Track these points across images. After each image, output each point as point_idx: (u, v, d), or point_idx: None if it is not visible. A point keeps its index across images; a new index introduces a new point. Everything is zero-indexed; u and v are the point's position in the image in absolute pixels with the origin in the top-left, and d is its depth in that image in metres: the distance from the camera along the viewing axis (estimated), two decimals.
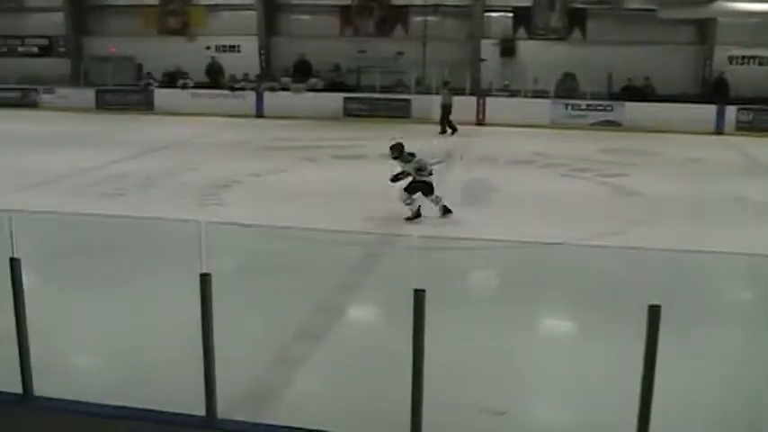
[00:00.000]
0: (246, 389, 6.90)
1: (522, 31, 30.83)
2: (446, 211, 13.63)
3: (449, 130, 25.54)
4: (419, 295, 5.20)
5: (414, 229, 12.64)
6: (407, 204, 13.40)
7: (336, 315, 9.13)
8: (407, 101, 28.37)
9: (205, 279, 5.61)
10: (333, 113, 28.16)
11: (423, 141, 22.60)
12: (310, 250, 10.30)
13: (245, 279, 9.66)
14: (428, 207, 13.54)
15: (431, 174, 13.51)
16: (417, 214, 13.50)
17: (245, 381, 7.01)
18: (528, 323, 8.85)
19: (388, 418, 5.98)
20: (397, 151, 13.55)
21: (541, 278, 9.85)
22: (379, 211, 13.80)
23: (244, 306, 8.38)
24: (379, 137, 23.43)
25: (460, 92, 27.28)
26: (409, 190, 13.38)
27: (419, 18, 30.92)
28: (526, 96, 28.09)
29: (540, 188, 16.80)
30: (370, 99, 28.80)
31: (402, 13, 31.46)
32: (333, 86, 29.83)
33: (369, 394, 6.86)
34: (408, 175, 13.44)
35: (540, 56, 29.85)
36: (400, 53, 30.86)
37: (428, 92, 28.32)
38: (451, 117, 25.78)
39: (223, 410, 5.88)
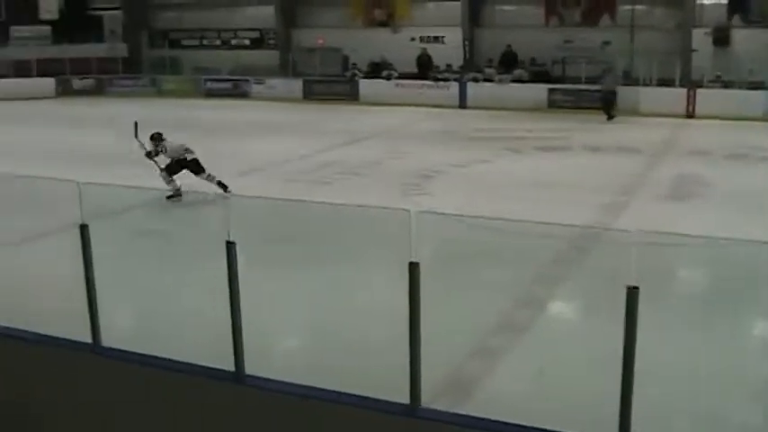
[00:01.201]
0: (447, 378, 6.88)
1: (737, 19, 29.26)
2: (222, 186, 14.23)
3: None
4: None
5: (624, 223, 12.23)
6: (169, 184, 14.01)
7: (539, 308, 8.98)
8: (614, 92, 27.53)
9: (414, 267, 5.60)
10: (536, 104, 27.74)
11: (628, 133, 22.12)
12: (515, 242, 10.17)
13: (450, 269, 9.63)
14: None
15: (187, 153, 14.45)
16: (178, 193, 14.03)
17: (447, 370, 6.99)
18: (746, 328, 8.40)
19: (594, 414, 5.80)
20: (157, 140, 14.53)
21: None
22: (585, 203, 13.49)
23: (447, 295, 8.35)
24: (584, 129, 23.05)
25: (669, 82, 26.42)
26: (168, 170, 14.26)
27: (627, 6, 29.86)
28: (740, 88, 26.68)
29: (756, 183, 15.90)
30: (575, 90, 28.16)
31: (609, 2, 30.53)
32: (538, 77, 29.40)
33: (572, 389, 6.70)
34: (158, 154, 14.43)
35: (757, 45, 28.25)
36: (607, 43, 29.99)
37: (635, 83, 27.47)
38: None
39: (425, 399, 5.87)
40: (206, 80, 34.70)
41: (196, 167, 14.43)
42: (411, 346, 5.72)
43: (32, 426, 6.85)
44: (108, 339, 6.62)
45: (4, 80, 34.96)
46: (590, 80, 27.89)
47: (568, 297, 9.72)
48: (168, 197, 13.70)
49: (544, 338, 8.16)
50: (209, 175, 14.39)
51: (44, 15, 38.20)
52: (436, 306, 6.87)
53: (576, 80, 28.51)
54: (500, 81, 29.24)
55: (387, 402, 5.95)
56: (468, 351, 7.63)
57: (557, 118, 25.77)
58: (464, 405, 6.47)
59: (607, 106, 25.93)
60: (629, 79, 28.10)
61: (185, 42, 38.30)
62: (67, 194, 6.33)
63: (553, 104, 28.06)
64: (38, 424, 6.85)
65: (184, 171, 14.31)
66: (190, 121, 22.87)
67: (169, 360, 6.38)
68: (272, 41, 36.11)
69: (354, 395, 6.05)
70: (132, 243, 11.55)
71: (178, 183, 14.22)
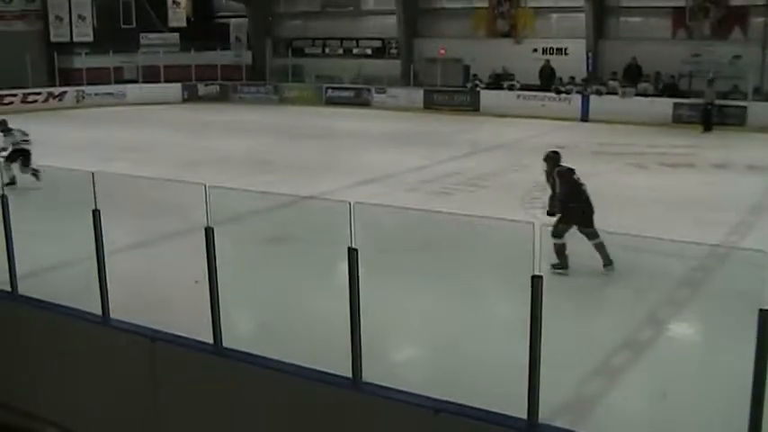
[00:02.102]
0: (567, 396, 6.77)
1: None
2: (34, 173, 15.50)
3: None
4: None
5: (753, 243, 11.80)
6: (6, 172, 14.48)
7: (664, 328, 8.76)
8: (743, 108, 26.68)
9: (537, 282, 5.53)
10: (661, 119, 27.08)
11: (758, 151, 21.39)
12: (640, 259, 9.96)
13: (573, 284, 9.50)
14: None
15: (24, 143, 15.73)
16: (12, 182, 14.87)
17: (567, 388, 6.87)
18: None
19: None
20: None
21: None
22: (711, 221, 13.09)
23: (569, 312, 8.23)
24: (710, 145, 22.42)
25: None
26: (8, 158, 15.36)
27: (760, 19, 28.93)
28: None
29: None
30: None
31: (741, 14, 29.54)
32: (664, 91, 28.71)
33: (695, 413, 6.51)
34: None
35: None
36: (737, 57, 29.03)
37: (744, 98, 26.77)
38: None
39: (543, 416, 5.78)
40: (327, 88, 35.13)
41: (26, 160, 15.65)
42: (530, 363, 5.65)
43: (160, 419, 7.02)
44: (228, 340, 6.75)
45: (133, 85, 36.19)
46: (718, 95, 27.05)
47: (695, 318, 9.44)
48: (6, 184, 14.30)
49: (667, 359, 7.95)
50: (34, 170, 15.63)
51: (173, 23, 39.41)
52: (561, 322, 6.78)
53: (703, 95, 27.70)
54: (624, 94, 28.69)
55: (502, 416, 5.90)
56: (590, 370, 7.48)
57: (682, 133, 25.08)
58: (584, 423, 6.34)
59: (706, 119, 25.74)
60: (761, 94, 27.22)
61: (308, 51, 38.87)
62: (195, 197, 6.48)
63: (678, 119, 27.29)
64: (164, 418, 7.01)
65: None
66: (312, 128, 23.19)
67: (289, 364, 6.46)
68: (394, 51, 36.31)
69: (470, 407, 6.02)
70: (258, 247, 11.76)
71: (13, 172, 15.35)
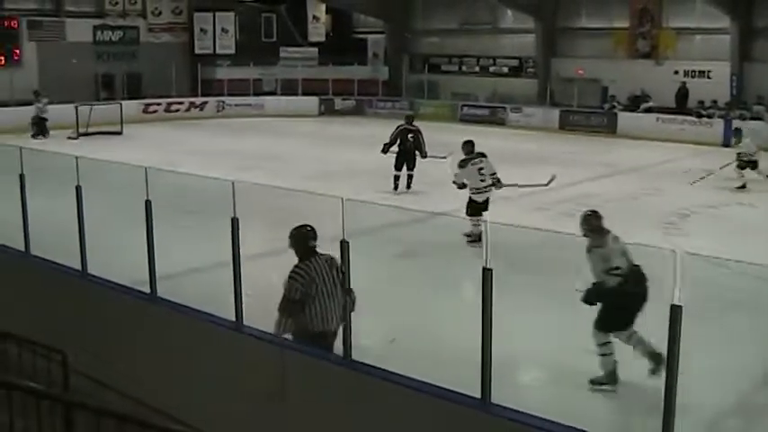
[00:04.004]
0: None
1: None
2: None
3: None
4: None
5: None
6: None
7: None
8: None
9: (676, 311, 5.36)
10: None
11: None
12: None
13: (708, 315, 9.17)
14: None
15: None
16: None
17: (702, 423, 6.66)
18: None
19: None
20: None
21: None
22: None
23: (707, 344, 7.94)
24: None
25: None
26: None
27: None
28: None
29: None
30: None
31: None
32: None
33: None
34: None
35: None
36: None
37: None
38: None
39: None
40: (463, 105, 35.14)
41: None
42: (666, 396, 5.47)
43: (286, 428, 7.08)
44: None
45: (271, 97, 37.05)
46: None
47: None
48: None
49: None
50: None
51: (312, 38, 40.19)
52: (699, 353, 6.56)
53: None
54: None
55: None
56: (729, 405, 7.22)
57: None
58: None
59: None
60: None
61: (444, 67, 39.02)
62: (332, 209, 6.53)
63: None
64: (290, 427, 7.08)
65: None
66: (446, 145, 23.14)
67: (417, 380, 6.43)
68: (531, 70, 36.08)
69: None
70: (389, 261, 11.83)
71: None
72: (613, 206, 16.58)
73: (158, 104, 34.63)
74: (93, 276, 9.03)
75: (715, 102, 29.82)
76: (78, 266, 9.09)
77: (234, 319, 7.48)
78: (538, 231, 10.95)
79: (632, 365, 7.61)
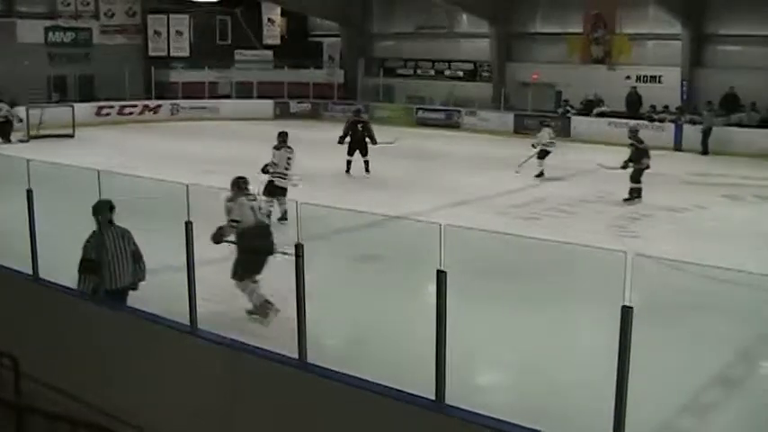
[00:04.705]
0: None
1: None
2: None
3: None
4: None
5: None
6: None
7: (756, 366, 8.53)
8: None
9: (626, 312, 5.41)
10: (760, 151, 26.33)
11: None
12: (734, 294, 9.70)
13: (662, 317, 9.29)
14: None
15: None
16: None
17: (652, 423, 6.73)
18: None
19: None
20: None
21: None
22: None
23: (659, 344, 8.03)
24: None
25: None
26: None
27: None
28: None
29: None
30: None
31: None
32: (763, 122, 27.94)
33: None
34: None
35: None
36: None
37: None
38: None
39: None
40: (418, 109, 35.24)
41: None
42: (617, 395, 5.53)
43: (238, 430, 7.06)
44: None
45: (226, 100, 36.84)
46: None
47: None
48: None
49: (760, 398, 7.72)
50: None
51: (267, 41, 40.07)
52: (649, 356, 6.63)
53: None
54: (720, 125, 28.05)
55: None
56: (679, 406, 7.31)
57: None
58: None
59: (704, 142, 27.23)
60: None
61: (400, 71, 39.08)
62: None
63: None
64: (242, 430, 7.05)
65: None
66: (401, 149, 23.23)
67: (372, 382, 6.43)
68: (486, 74, 36.25)
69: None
70: (344, 265, 11.82)
71: None
72: (567, 209, 16.81)
73: (111, 107, 34.27)
74: (45, 280, 8.92)
75: (667, 107, 30.20)
76: (29, 271, 8.96)
77: (188, 322, 7.43)
78: (495, 235, 10.97)
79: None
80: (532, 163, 21.37)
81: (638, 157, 18.05)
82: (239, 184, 10.13)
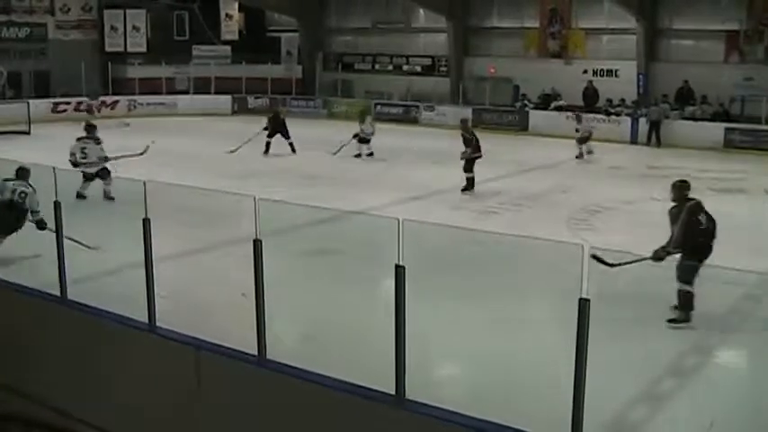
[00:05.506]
0: (606, 421, 6.72)
1: None
2: None
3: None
4: None
5: None
6: None
7: (707, 356, 8.68)
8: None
9: (584, 305, 5.50)
10: (712, 144, 26.73)
11: None
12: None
13: (616, 309, 9.40)
14: None
15: None
16: None
17: (607, 413, 6.82)
18: None
19: None
20: None
21: None
22: (763, 249, 12.89)
23: (609, 335, 8.14)
24: (763, 171, 22.11)
25: None
26: None
27: None
28: None
29: None
30: (755, 131, 26.99)
31: None
32: (716, 116, 28.34)
33: None
34: None
35: None
36: None
37: None
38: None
39: None
40: (376, 104, 35.22)
41: None
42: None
43: (199, 428, 7.06)
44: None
45: (184, 96, 36.57)
46: None
47: (740, 345, 9.32)
48: None
49: (714, 389, 7.84)
50: None
51: (225, 36, 39.84)
52: (603, 348, 6.73)
53: (756, 120, 27.36)
54: (672, 117, 28.40)
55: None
56: (632, 396, 7.41)
57: (733, 159, 24.76)
58: None
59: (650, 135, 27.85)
60: None
61: (358, 66, 39.05)
62: (244, 209, 6.52)
63: (730, 144, 26.90)
64: (204, 427, 7.05)
65: None
66: (359, 144, 23.29)
67: (332, 378, 6.46)
68: (443, 69, 36.34)
69: (511, 428, 5.99)
70: (301, 260, 11.80)
71: None
72: (525, 203, 16.93)
73: (67, 103, 33.87)
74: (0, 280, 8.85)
75: (623, 100, 30.51)
76: None
77: (147, 320, 7.41)
78: (454, 230, 11.03)
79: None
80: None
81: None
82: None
